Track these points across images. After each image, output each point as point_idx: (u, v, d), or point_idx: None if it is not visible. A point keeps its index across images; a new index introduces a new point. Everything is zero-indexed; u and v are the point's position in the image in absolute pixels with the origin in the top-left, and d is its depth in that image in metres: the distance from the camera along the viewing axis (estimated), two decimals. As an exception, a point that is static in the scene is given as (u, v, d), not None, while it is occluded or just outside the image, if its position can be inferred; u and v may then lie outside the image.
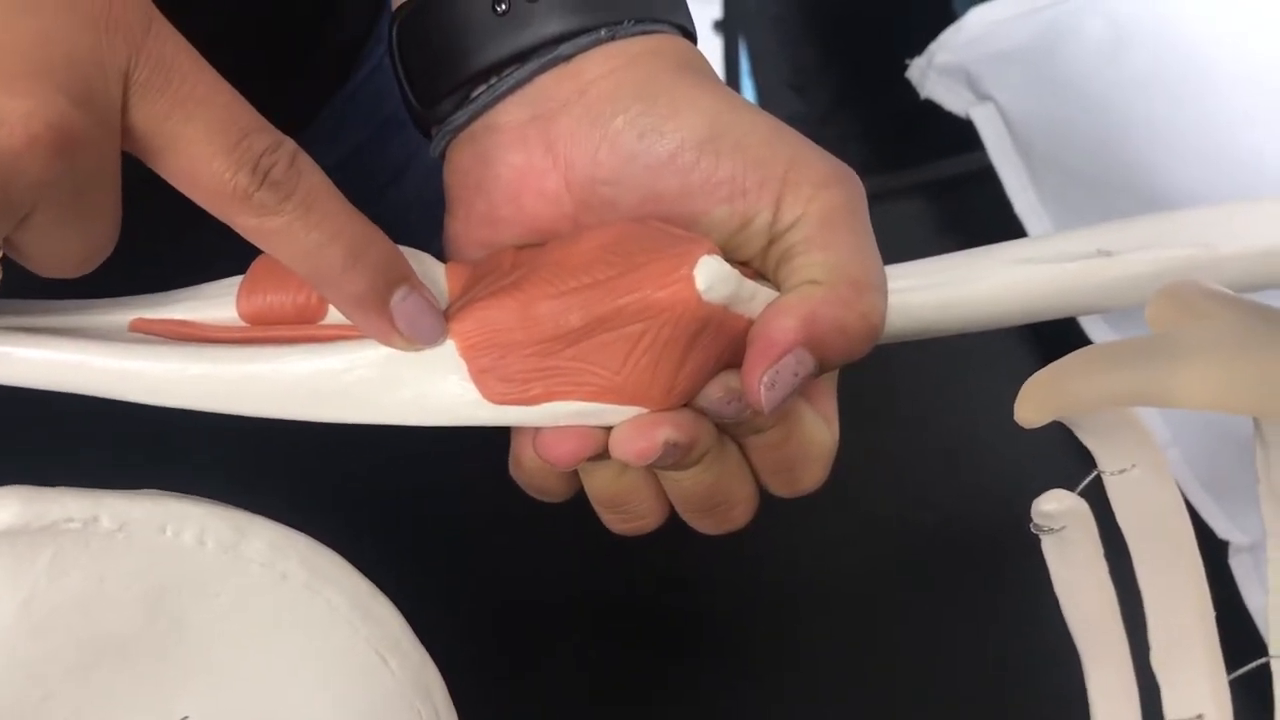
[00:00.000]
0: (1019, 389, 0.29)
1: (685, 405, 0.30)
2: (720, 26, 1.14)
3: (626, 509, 0.32)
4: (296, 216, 0.27)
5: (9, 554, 0.30)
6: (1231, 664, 0.32)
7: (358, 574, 0.33)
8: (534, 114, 0.32)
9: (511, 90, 0.32)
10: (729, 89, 0.32)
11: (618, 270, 0.29)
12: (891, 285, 0.31)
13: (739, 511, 0.32)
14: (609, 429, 0.30)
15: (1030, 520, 0.32)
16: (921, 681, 0.45)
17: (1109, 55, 0.56)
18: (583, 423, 0.30)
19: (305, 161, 0.28)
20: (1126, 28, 0.57)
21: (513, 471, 0.33)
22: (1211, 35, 0.56)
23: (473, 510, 0.48)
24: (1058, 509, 0.31)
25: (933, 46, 0.60)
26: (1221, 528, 0.47)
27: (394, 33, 0.35)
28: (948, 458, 0.50)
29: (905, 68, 0.61)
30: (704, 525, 0.33)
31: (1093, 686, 0.34)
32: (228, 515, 0.32)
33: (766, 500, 0.33)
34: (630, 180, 0.31)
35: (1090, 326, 0.52)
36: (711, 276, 0.28)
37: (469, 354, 0.30)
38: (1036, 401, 0.27)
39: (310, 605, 0.32)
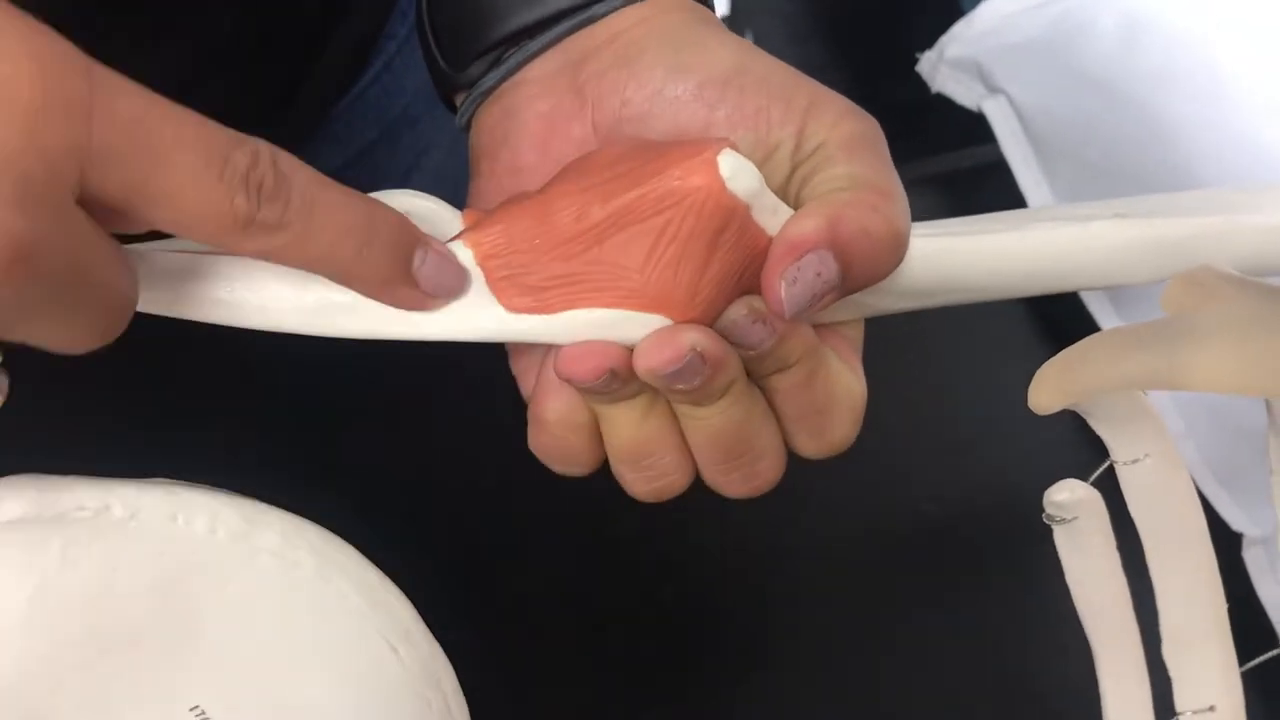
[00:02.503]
0: (1028, 379, 0.29)
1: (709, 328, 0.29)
2: (727, 23, 1.14)
3: (651, 463, 0.31)
4: (300, 223, 0.26)
5: (20, 543, 0.30)
6: (1244, 656, 0.32)
7: (368, 563, 0.33)
8: (562, 64, 0.32)
9: (543, 49, 0.33)
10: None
11: (640, 162, 0.29)
12: (912, 232, 0.30)
13: (766, 464, 0.31)
14: (631, 349, 0.29)
15: (1041, 511, 0.32)
16: (930, 673, 0.45)
17: (1122, 48, 0.56)
18: (604, 335, 0.29)
19: (287, 161, 0.27)
20: (1139, 21, 0.56)
21: (533, 439, 0.32)
22: (1224, 28, 0.56)
23: (481, 505, 0.48)
24: (1070, 499, 0.31)
25: (943, 40, 0.59)
26: (1235, 520, 0.46)
27: None
28: (956, 449, 0.50)
29: (914, 62, 0.61)
30: (731, 481, 0.32)
31: (1104, 678, 0.34)
32: (239, 504, 0.32)
33: (774, 493, 0.33)
34: (657, 115, 0.31)
35: (1100, 316, 0.52)
36: (735, 165, 0.28)
37: (486, 263, 0.29)
38: (1051, 386, 0.27)
39: (321, 594, 0.32)
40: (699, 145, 0.29)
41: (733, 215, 0.28)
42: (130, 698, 0.32)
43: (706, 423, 0.30)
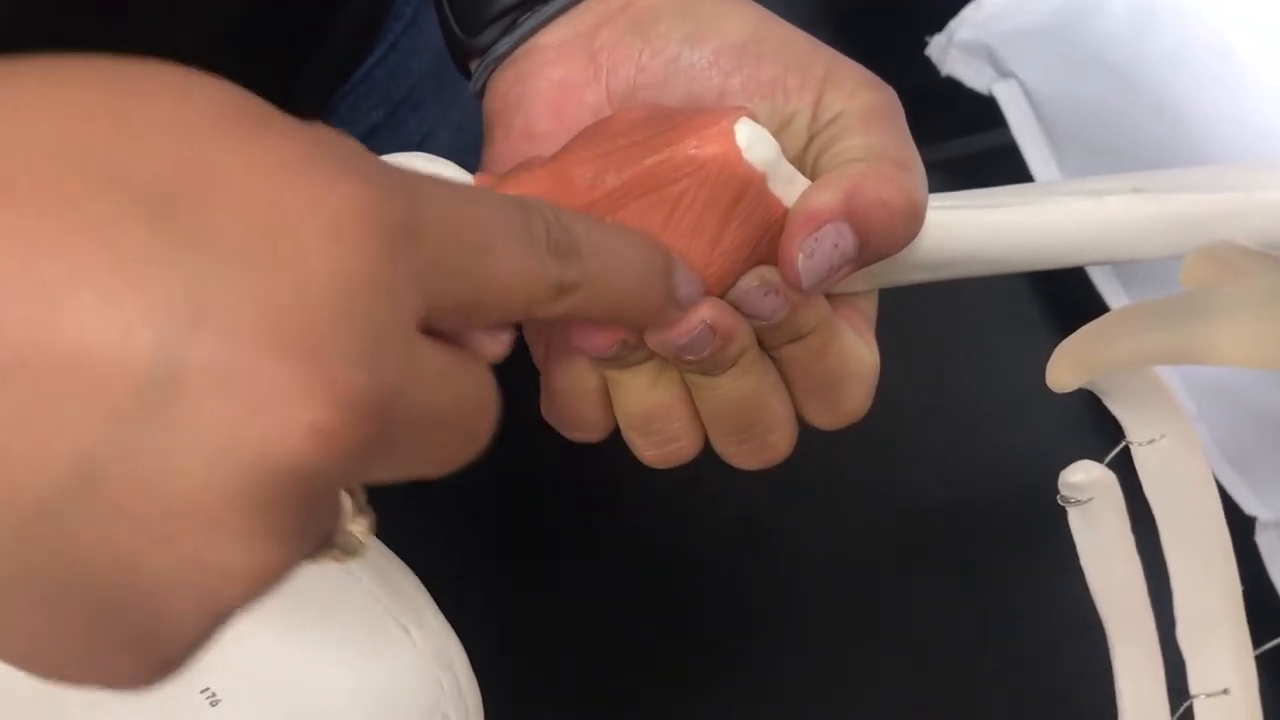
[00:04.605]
0: (1037, 361, 0.29)
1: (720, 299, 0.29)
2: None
3: (660, 430, 0.31)
4: (596, 273, 0.24)
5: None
6: (1257, 640, 0.32)
7: (381, 545, 0.33)
8: (577, 31, 0.32)
9: (558, 14, 0.32)
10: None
11: (656, 130, 0.29)
12: (929, 204, 0.30)
13: (778, 436, 0.31)
14: None
15: (1055, 493, 0.32)
16: (942, 654, 0.45)
17: (1133, 31, 0.56)
18: None
19: (563, 211, 0.24)
20: (1150, 3, 0.56)
21: (544, 405, 0.32)
22: (1236, 11, 0.55)
23: (493, 487, 0.48)
24: (1085, 480, 0.31)
25: (953, 23, 0.59)
26: (1248, 504, 0.46)
27: None
28: (966, 432, 0.50)
29: (924, 45, 0.60)
30: (742, 453, 0.31)
31: (1118, 661, 0.33)
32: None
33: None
34: (672, 83, 0.31)
35: (1108, 295, 0.52)
36: (752, 134, 0.28)
37: None
38: (1070, 362, 0.27)
39: (333, 575, 0.32)
40: (716, 114, 0.28)
41: (749, 185, 0.28)
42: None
43: (716, 393, 0.30)
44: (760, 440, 0.31)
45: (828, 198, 0.28)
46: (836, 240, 0.28)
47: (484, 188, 0.24)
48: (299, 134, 0.20)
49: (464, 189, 0.23)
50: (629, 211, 0.28)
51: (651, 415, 0.31)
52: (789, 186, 0.29)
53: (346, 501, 0.24)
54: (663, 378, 0.31)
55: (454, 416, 0.22)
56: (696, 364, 0.29)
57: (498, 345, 0.24)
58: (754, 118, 0.28)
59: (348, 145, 0.21)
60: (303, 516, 0.20)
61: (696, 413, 0.31)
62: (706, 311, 0.28)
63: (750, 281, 0.29)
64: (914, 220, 0.29)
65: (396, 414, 0.20)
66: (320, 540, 0.21)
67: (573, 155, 0.29)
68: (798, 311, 0.30)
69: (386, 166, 0.21)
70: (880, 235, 0.29)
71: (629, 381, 0.31)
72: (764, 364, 0.31)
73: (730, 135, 0.28)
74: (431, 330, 0.22)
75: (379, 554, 0.33)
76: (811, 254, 0.28)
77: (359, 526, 0.24)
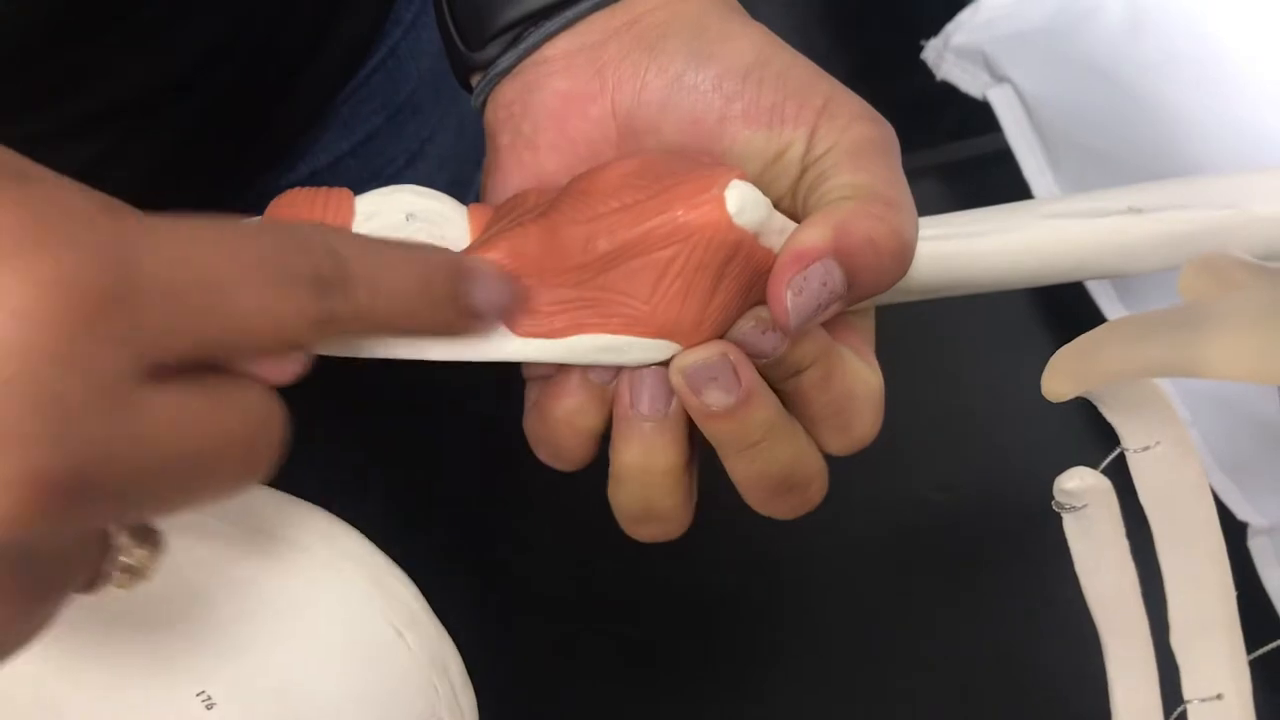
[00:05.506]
0: (1034, 368, 0.29)
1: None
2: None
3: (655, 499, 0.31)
4: (368, 299, 0.24)
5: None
6: (1250, 645, 0.32)
7: (376, 550, 0.33)
8: (583, 44, 0.32)
9: (563, 29, 0.32)
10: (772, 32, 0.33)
11: (646, 194, 0.29)
12: (921, 234, 0.30)
13: (816, 487, 0.31)
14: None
15: (1051, 499, 0.32)
16: (939, 660, 0.45)
17: (1127, 36, 0.56)
18: (607, 359, 0.29)
19: (338, 237, 0.24)
20: (1145, 8, 0.56)
21: (529, 426, 0.32)
22: (1230, 16, 0.56)
23: (488, 491, 0.48)
24: (1080, 486, 0.31)
25: (949, 28, 0.59)
26: (1240, 510, 0.46)
27: None
28: (963, 439, 0.50)
29: (920, 50, 0.60)
30: (783, 507, 0.32)
31: (1112, 666, 0.34)
32: (245, 491, 0.32)
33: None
34: (674, 103, 0.31)
35: (1104, 304, 0.52)
36: (742, 199, 0.28)
37: None
38: (1065, 373, 0.27)
39: (328, 580, 0.32)
40: (705, 179, 0.28)
41: (739, 247, 0.28)
42: (136, 684, 0.32)
43: (755, 465, 0.30)
44: (802, 493, 0.31)
45: (816, 236, 0.28)
46: (825, 279, 0.28)
47: (230, 225, 0.23)
48: (10, 201, 0.20)
49: (202, 233, 0.22)
50: (620, 273, 0.28)
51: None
52: (780, 236, 0.29)
53: (121, 537, 0.25)
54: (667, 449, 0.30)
55: (208, 452, 0.22)
56: (726, 421, 0.29)
57: (281, 370, 0.24)
58: (744, 177, 0.28)
59: (64, 207, 0.20)
60: (12, 579, 0.21)
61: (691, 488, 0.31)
62: (727, 347, 0.29)
63: (746, 324, 0.29)
64: (903, 259, 0.29)
65: (110, 474, 0.20)
66: (63, 587, 0.22)
67: (564, 217, 0.29)
68: (798, 344, 0.30)
69: (102, 227, 0.21)
70: (869, 274, 0.29)
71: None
72: (792, 426, 0.31)
73: (720, 203, 0.28)
74: (193, 367, 0.22)
75: (373, 558, 0.33)
76: (800, 292, 0.28)
77: (136, 557, 0.25)
